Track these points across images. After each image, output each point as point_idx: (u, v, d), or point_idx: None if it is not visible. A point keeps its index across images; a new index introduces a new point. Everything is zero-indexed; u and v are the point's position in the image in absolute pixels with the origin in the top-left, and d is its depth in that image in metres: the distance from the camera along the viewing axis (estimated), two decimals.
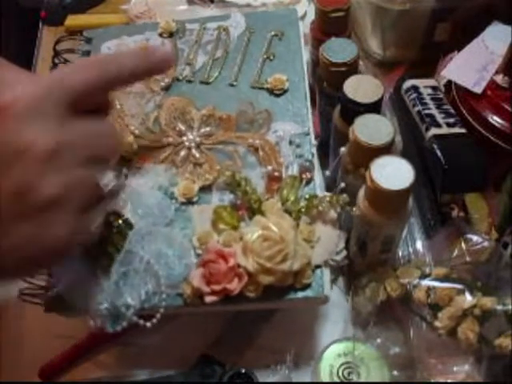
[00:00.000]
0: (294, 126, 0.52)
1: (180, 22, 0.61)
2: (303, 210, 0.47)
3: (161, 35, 0.61)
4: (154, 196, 0.49)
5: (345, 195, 0.47)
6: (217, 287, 0.44)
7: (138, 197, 0.48)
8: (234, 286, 0.44)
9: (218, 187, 0.50)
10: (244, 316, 0.54)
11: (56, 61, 0.59)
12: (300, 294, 0.45)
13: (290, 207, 0.47)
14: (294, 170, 0.50)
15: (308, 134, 0.52)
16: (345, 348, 0.49)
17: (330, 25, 0.58)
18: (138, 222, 0.47)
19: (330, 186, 0.51)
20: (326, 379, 0.47)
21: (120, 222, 0.46)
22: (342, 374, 0.48)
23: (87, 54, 0.61)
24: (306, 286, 0.45)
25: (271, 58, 0.57)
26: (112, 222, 0.46)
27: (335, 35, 0.55)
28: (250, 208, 0.48)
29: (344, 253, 0.55)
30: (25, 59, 0.78)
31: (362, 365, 0.48)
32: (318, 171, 0.50)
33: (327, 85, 0.55)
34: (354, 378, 0.47)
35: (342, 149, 0.49)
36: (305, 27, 0.64)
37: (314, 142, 0.51)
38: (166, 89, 0.56)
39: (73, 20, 0.81)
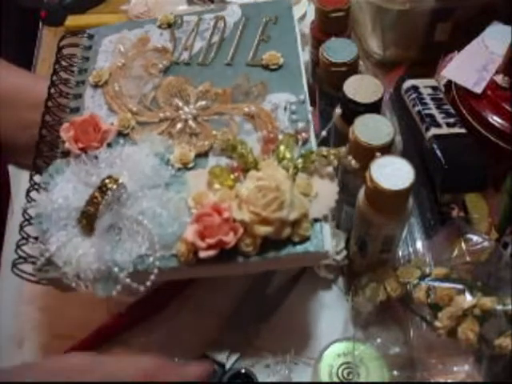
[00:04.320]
0: (289, 96, 0.52)
1: (178, 15, 0.62)
2: (300, 166, 0.47)
3: (159, 27, 0.61)
4: (150, 162, 0.49)
5: (343, 148, 0.47)
6: (212, 240, 0.43)
7: (133, 163, 0.48)
8: (230, 238, 0.43)
9: (214, 153, 0.50)
10: (244, 315, 0.54)
11: (58, 55, 0.59)
12: (299, 248, 0.44)
13: (287, 164, 0.47)
14: (290, 131, 0.50)
15: (304, 102, 0.51)
16: (345, 348, 0.48)
17: (330, 25, 0.58)
18: (133, 186, 0.47)
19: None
20: (325, 379, 0.47)
21: (115, 185, 0.46)
22: (342, 374, 0.48)
23: (89, 48, 0.61)
24: (305, 240, 0.44)
25: (266, 39, 0.57)
26: (106, 185, 0.46)
27: (335, 35, 0.55)
28: (246, 169, 0.47)
29: (344, 253, 0.55)
30: (25, 59, 0.78)
31: (361, 365, 0.47)
32: (314, 139, 0.50)
33: (327, 85, 0.55)
34: (354, 378, 0.47)
35: (337, 110, 0.49)
36: (305, 27, 0.64)
37: (309, 108, 0.51)
38: (164, 72, 0.57)
39: (73, 20, 0.81)
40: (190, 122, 0.52)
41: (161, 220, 0.45)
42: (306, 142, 0.49)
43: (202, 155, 0.50)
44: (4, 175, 0.67)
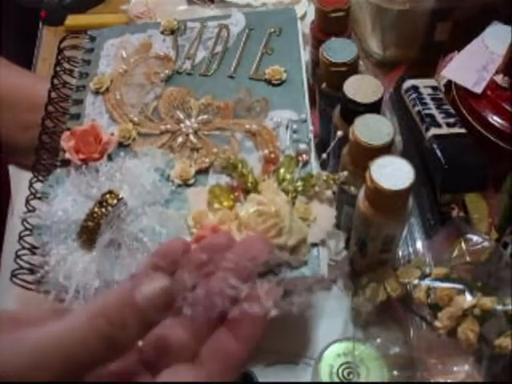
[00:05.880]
0: (291, 114, 0.52)
1: (182, 21, 0.62)
2: (300, 189, 0.47)
3: (162, 33, 0.61)
4: (151, 177, 0.49)
5: (341, 173, 0.47)
6: None
7: (134, 178, 0.48)
8: None
9: (214, 170, 0.50)
10: None
11: (59, 57, 0.59)
12: (296, 272, 0.45)
13: (287, 187, 0.47)
14: (291, 152, 0.50)
15: (305, 120, 0.52)
16: (345, 348, 0.48)
17: (330, 25, 0.58)
18: (134, 202, 0.47)
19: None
20: (325, 379, 0.47)
21: (115, 201, 0.46)
22: (342, 373, 0.48)
23: (91, 51, 0.61)
24: (302, 264, 0.45)
25: (269, 52, 0.57)
26: (107, 200, 0.46)
27: (335, 35, 0.55)
28: (246, 189, 0.47)
29: (344, 253, 0.55)
30: (25, 59, 0.78)
31: (361, 365, 0.47)
32: (315, 160, 0.50)
33: (327, 85, 0.55)
34: (354, 378, 0.47)
35: (339, 133, 0.49)
36: (305, 27, 0.64)
37: (310, 127, 0.51)
38: (166, 81, 0.57)
39: (73, 20, 0.81)
40: (191, 137, 0.52)
41: (160, 238, 0.45)
42: (306, 163, 0.49)
43: (203, 172, 0.50)
44: (4, 175, 0.67)
